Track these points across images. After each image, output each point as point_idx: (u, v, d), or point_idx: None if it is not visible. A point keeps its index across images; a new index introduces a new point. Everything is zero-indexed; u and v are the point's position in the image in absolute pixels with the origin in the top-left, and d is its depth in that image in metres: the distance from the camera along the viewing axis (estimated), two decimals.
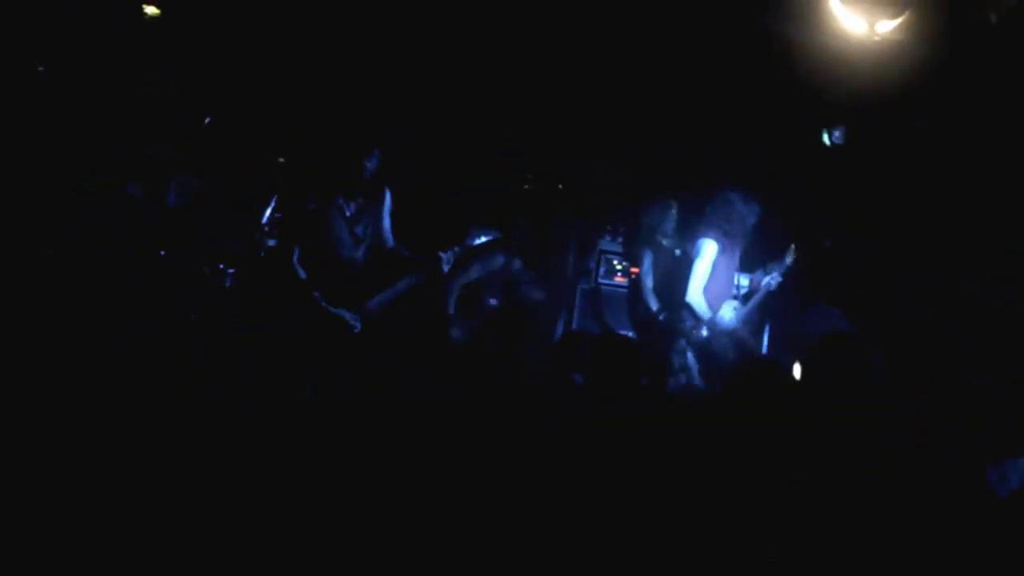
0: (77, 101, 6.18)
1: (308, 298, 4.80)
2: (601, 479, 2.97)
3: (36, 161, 5.90)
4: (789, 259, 5.75)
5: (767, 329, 6.43)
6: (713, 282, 5.66)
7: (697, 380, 5.32)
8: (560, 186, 7.32)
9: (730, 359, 4.74)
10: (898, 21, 5.10)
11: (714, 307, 5.65)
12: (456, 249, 4.88)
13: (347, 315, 4.86)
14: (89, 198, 5.97)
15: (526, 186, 6.91)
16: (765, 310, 5.95)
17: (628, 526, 2.81)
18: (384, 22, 6.40)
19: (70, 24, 6.21)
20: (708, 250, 5.63)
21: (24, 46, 6.01)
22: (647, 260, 6.33)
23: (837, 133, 6.51)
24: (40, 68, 6.13)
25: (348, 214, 4.92)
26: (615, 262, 6.96)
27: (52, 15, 6.12)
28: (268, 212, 6.06)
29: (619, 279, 6.96)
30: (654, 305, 6.26)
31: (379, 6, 6.37)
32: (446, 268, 4.85)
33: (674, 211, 6.28)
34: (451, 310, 5.71)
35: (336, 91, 6.69)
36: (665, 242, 6.27)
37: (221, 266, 6.09)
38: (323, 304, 4.81)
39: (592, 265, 6.87)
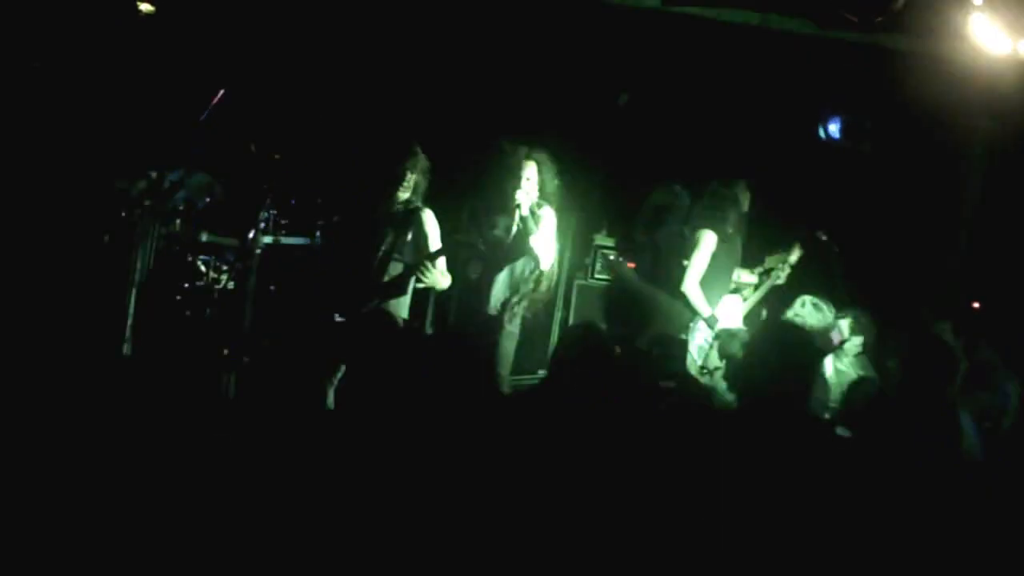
0: (73, 98, 6.16)
1: None
2: (598, 477, 2.97)
3: (31, 158, 5.88)
4: (794, 256, 5.74)
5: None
6: (712, 275, 5.61)
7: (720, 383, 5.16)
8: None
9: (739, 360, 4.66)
10: None
11: (713, 301, 5.61)
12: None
13: None
14: (85, 195, 5.95)
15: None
16: (765, 304, 5.95)
17: (627, 526, 2.82)
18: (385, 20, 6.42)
19: (66, 20, 6.19)
20: (707, 241, 5.54)
21: (21, 42, 5.99)
22: (646, 252, 6.30)
23: (832, 127, 6.50)
24: (35, 64, 6.10)
25: None
26: (611, 257, 6.90)
27: (49, 11, 6.10)
28: (264, 210, 6.03)
29: None
30: None
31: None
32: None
33: (680, 199, 6.21)
34: None
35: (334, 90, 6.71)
36: (666, 232, 6.22)
37: (218, 264, 6.08)
38: None
39: (588, 261, 6.82)
